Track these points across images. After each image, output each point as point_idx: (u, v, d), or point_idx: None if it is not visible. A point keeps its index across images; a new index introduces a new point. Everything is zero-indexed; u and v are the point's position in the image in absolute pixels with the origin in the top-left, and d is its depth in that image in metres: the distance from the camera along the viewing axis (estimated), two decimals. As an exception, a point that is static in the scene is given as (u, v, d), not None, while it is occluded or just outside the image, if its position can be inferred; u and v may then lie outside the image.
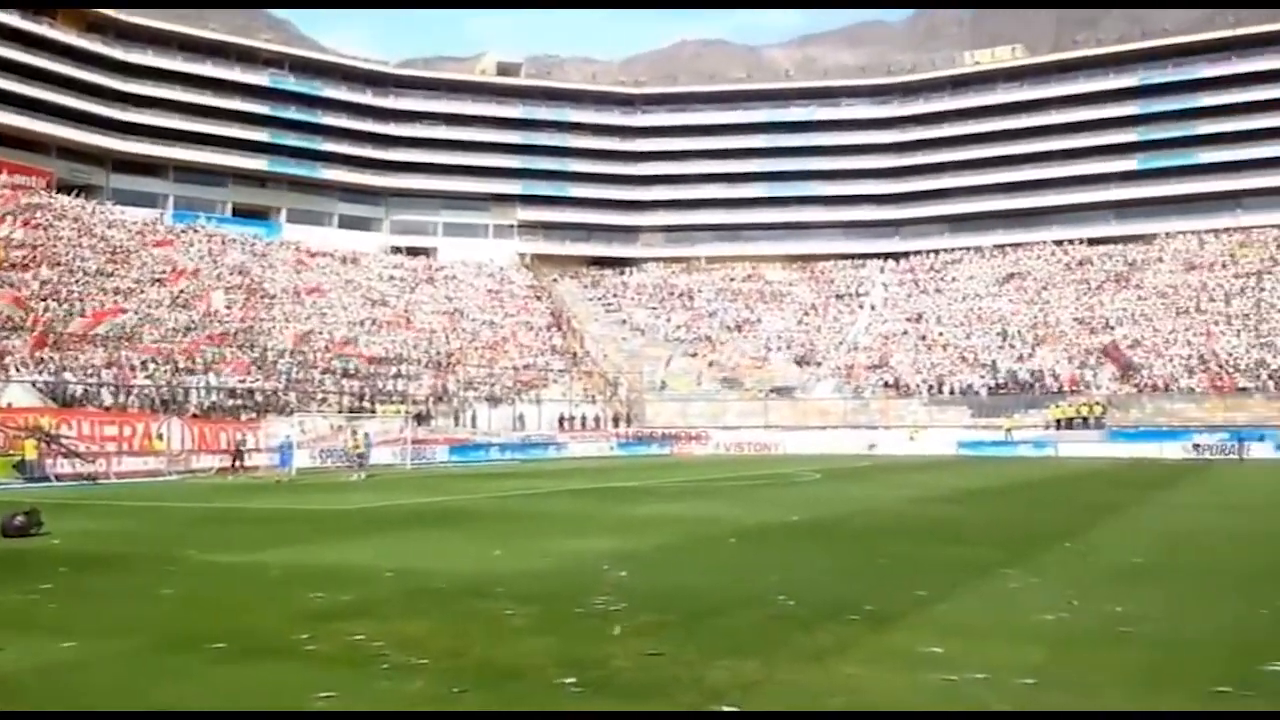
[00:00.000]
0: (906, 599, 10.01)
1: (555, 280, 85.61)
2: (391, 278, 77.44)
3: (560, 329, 75.76)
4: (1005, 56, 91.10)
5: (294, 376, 49.13)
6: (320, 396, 48.56)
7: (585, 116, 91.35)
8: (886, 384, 64.10)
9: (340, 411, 46.02)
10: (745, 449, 58.62)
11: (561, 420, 59.17)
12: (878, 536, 16.29)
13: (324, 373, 51.91)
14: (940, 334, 69.82)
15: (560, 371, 66.14)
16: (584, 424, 60.07)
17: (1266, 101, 76.22)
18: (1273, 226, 74.34)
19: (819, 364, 68.87)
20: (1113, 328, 65.38)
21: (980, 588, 10.98)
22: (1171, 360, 59.60)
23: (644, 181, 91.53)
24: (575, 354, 71.30)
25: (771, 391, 65.14)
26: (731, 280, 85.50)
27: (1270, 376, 55.57)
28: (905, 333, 71.54)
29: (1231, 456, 47.17)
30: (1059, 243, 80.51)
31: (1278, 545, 15.23)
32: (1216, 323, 63.45)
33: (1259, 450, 48.12)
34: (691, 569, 12.70)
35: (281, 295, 63.60)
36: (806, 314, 78.12)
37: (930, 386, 62.58)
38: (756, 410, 63.17)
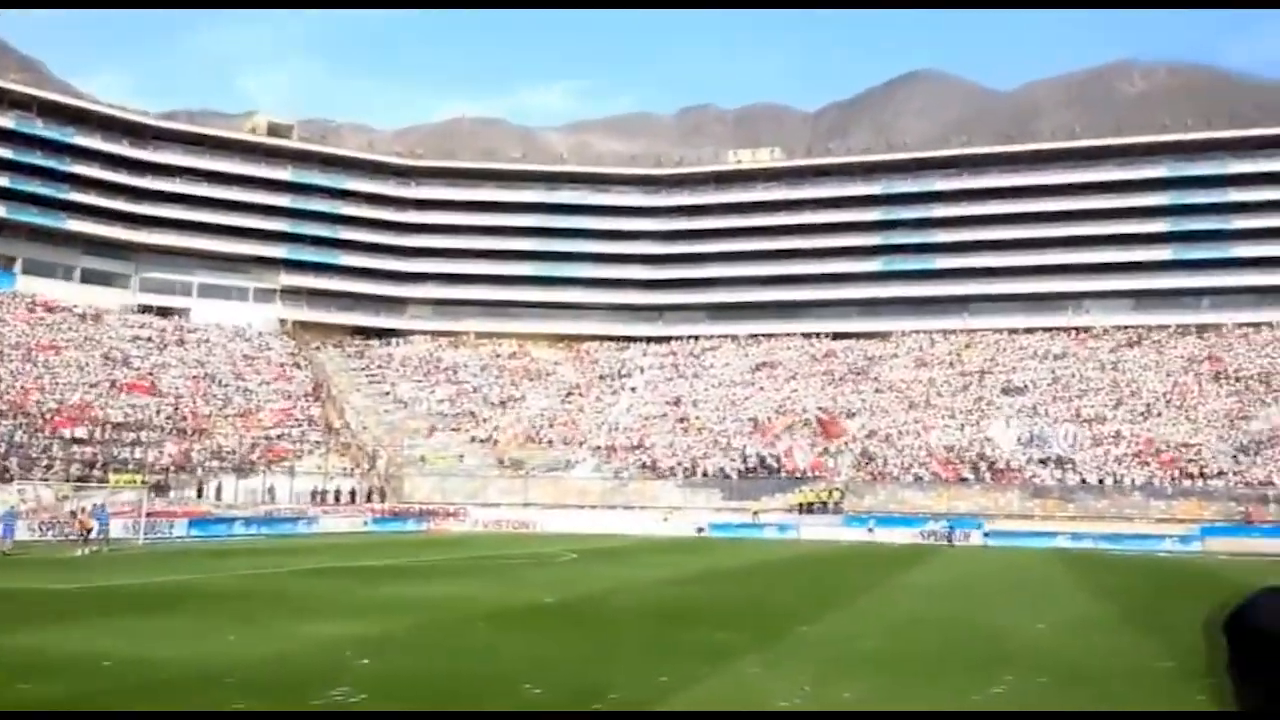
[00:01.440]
0: (652, 685, 10.17)
1: (318, 349, 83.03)
2: (136, 337, 72.96)
3: (319, 399, 73.35)
4: (765, 158, 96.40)
5: (15, 440, 45.23)
6: (45, 463, 44.87)
7: (359, 185, 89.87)
8: (644, 465, 65.33)
9: (67, 480, 42.62)
10: (504, 527, 58.15)
11: (315, 494, 56.96)
12: (629, 619, 16.48)
13: (52, 437, 48.07)
14: (696, 418, 71.99)
15: (316, 443, 63.86)
16: (338, 498, 58.04)
17: (994, 216, 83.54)
18: (994, 330, 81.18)
19: (580, 443, 69.50)
20: (852, 417, 69.29)
21: (721, 674, 11.26)
22: (903, 450, 63.66)
23: (415, 254, 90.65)
24: (333, 425, 69.11)
25: (532, 469, 65.14)
26: (498, 356, 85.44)
27: (989, 468, 60.26)
28: (664, 415, 73.32)
29: (962, 544, 50.52)
30: (807, 335, 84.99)
31: (990, 632, 16.37)
32: (942, 416, 68.36)
33: (975, 538, 51.85)
34: (439, 655, 12.46)
35: (10, 352, 58.73)
36: (570, 393, 78.89)
37: (685, 469, 64.25)
38: (516, 488, 62.92)
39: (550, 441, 69.98)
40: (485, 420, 73.08)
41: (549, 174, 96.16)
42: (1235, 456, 59.40)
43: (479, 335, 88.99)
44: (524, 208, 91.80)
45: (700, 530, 56.58)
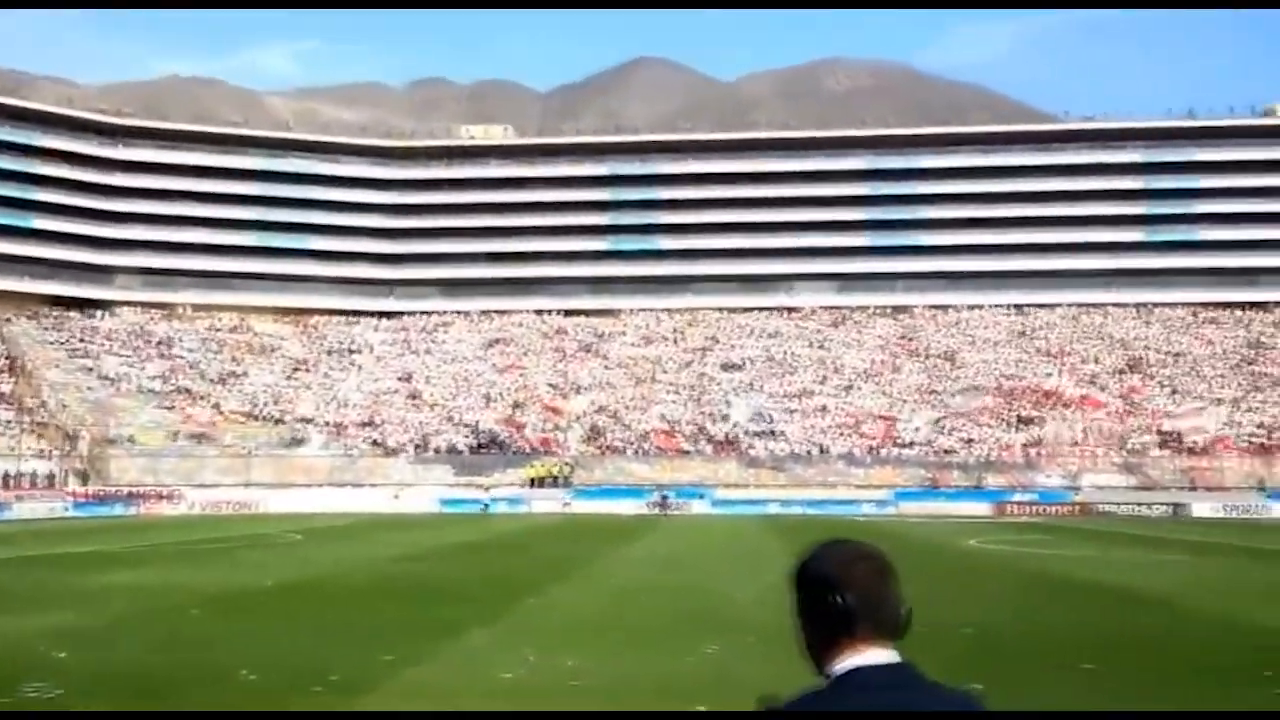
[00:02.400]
0: (376, 664, 10.23)
1: (9, 320, 75.90)
2: None
3: (11, 374, 67.24)
4: (497, 135, 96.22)
5: None
6: None
7: (57, 143, 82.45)
8: (374, 442, 64.12)
9: None
10: (223, 509, 55.51)
11: (6, 478, 52.34)
12: (354, 599, 16.35)
13: None
14: (429, 394, 71.28)
15: (8, 423, 58.59)
16: (34, 482, 53.58)
17: (714, 200, 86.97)
18: (715, 309, 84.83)
19: (307, 420, 67.27)
20: (582, 393, 70.70)
21: (448, 648, 11.45)
22: (630, 425, 65.64)
23: (122, 219, 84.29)
24: (27, 403, 63.56)
25: (254, 448, 62.48)
26: (217, 330, 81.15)
27: (709, 441, 63.22)
28: (395, 391, 72.14)
29: (677, 513, 52.66)
30: (539, 312, 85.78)
31: (704, 597, 17.32)
32: (667, 391, 70.96)
33: (698, 507, 54.33)
34: (147, 645, 11.96)
35: None
36: (296, 369, 76.11)
37: (416, 445, 63.57)
38: (237, 468, 60.22)
39: (274, 419, 67.33)
40: (203, 397, 69.36)
41: (273, 140, 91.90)
42: (925, 427, 64.94)
43: (196, 307, 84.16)
44: (245, 175, 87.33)
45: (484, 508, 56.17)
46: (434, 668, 10.32)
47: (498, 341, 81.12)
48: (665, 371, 74.50)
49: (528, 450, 62.61)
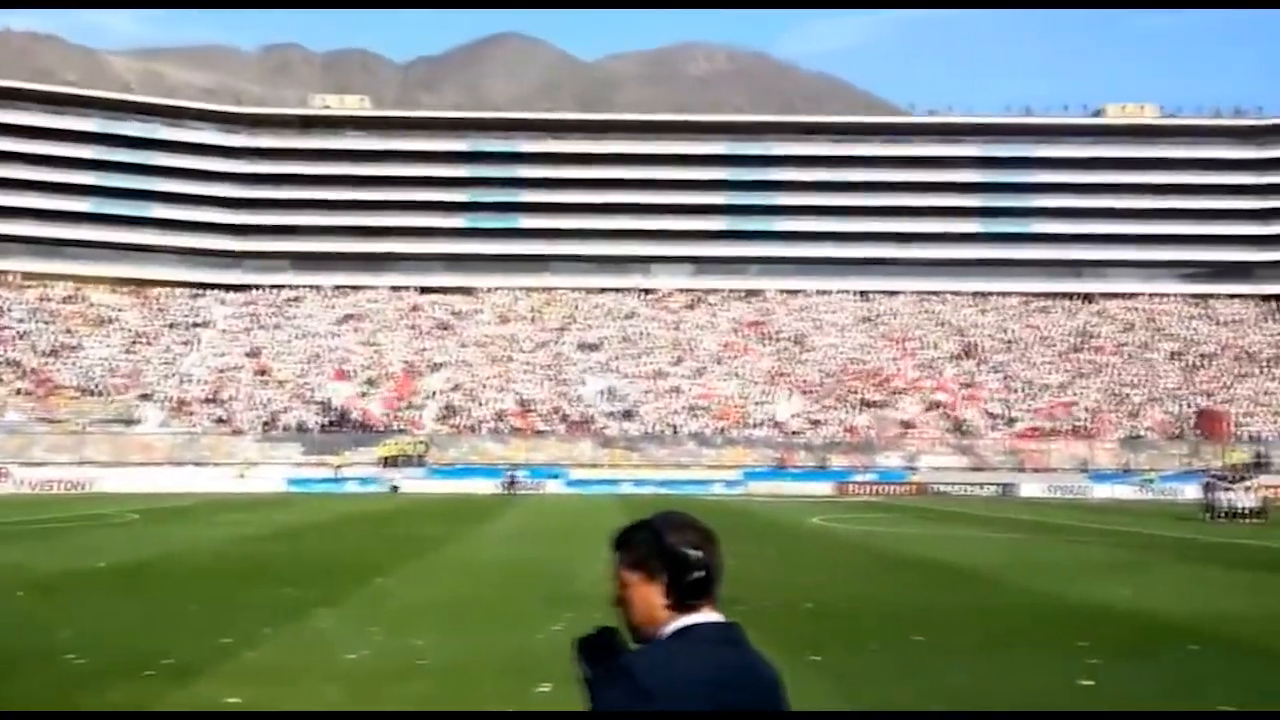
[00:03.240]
0: (212, 647, 10.04)
1: None
2: None
3: None
4: (354, 105, 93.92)
5: None
6: None
7: None
8: (219, 419, 62.13)
9: None
10: (55, 488, 53.03)
11: None
12: (192, 581, 15.93)
13: None
14: (278, 370, 69.38)
15: None
16: None
17: (575, 180, 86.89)
18: (573, 289, 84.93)
19: (147, 396, 64.69)
20: (437, 371, 69.95)
21: (290, 630, 11.29)
22: (486, 404, 65.32)
23: (-57, 180, 79.29)
24: None
25: (89, 424, 59.79)
26: (49, 300, 77.12)
27: (564, 420, 63.42)
28: (242, 367, 69.97)
29: (526, 492, 52.53)
30: (395, 288, 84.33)
31: (554, 575, 17.50)
32: (524, 371, 70.84)
33: (553, 486, 54.52)
34: (-32, 630, 11.45)
35: None
36: (135, 342, 73.02)
37: (264, 422, 61.87)
38: (70, 445, 57.54)
39: (111, 394, 64.54)
40: (33, 370, 65.99)
41: (113, 102, 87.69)
42: (775, 409, 66.54)
43: (26, 276, 79.84)
44: (82, 137, 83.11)
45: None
46: (274, 650, 10.18)
47: (351, 317, 79.47)
48: (522, 351, 74.32)
49: (381, 429, 61.66)
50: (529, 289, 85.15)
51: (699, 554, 2.27)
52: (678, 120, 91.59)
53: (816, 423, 64.72)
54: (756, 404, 66.73)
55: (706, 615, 2.26)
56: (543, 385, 68.63)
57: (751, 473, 57.93)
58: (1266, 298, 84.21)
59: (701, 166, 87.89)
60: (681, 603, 2.25)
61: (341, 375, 68.69)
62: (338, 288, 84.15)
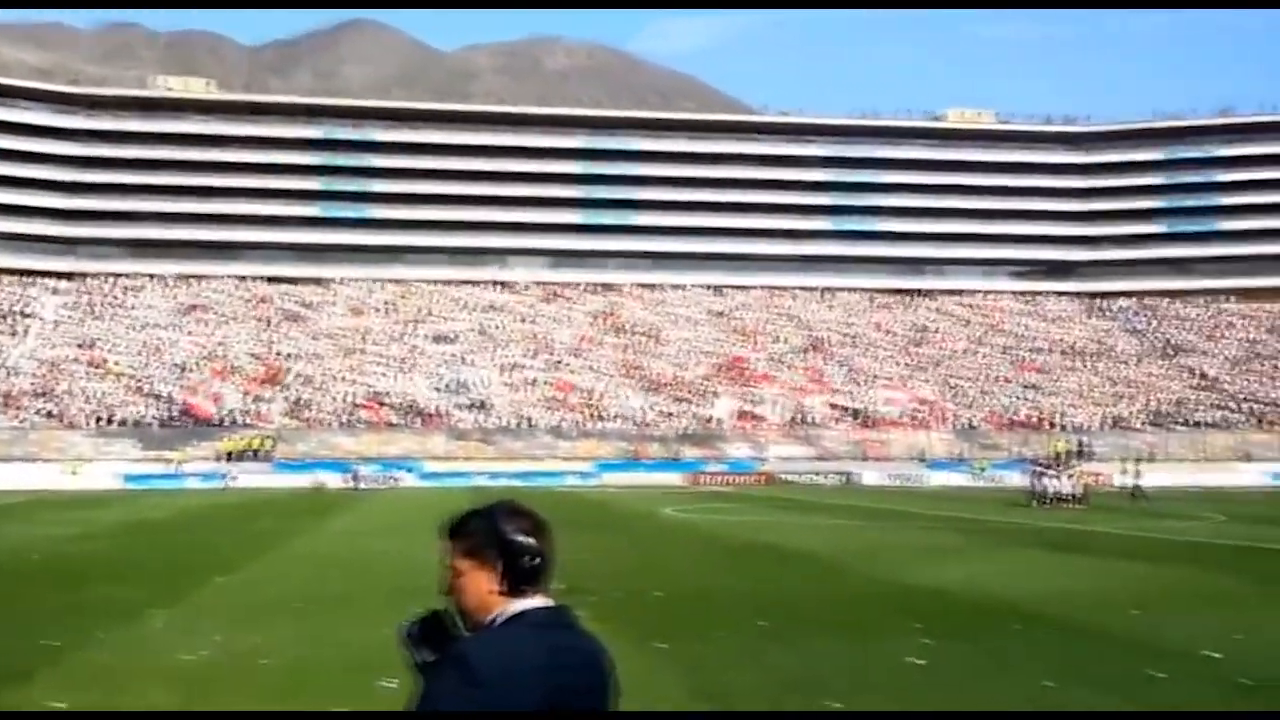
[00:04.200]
0: (38, 651, 9.63)
1: None
2: None
3: None
4: (199, 88, 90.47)
5: None
6: None
7: None
8: (49, 414, 59.11)
9: None
10: None
11: None
12: (17, 582, 15.20)
13: None
14: (115, 363, 66.37)
15: None
16: None
17: (431, 170, 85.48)
18: (427, 281, 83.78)
19: (-33, 390, 61.02)
20: (286, 363, 68.09)
21: (123, 632, 10.91)
22: (337, 397, 63.96)
23: None
24: None
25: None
26: None
27: (417, 414, 62.64)
28: (74, 359, 66.67)
29: (369, 487, 51.29)
30: (241, 278, 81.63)
31: (400, 569, 17.24)
32: (377, 363, 69.61)
33: (407, 480, 53.82)
34: None
35: None
36: (-46, 332, 68.73)
37: (99, 417, 59.15)
38: (-121, 442, 53.82)
39: (-74, 388, 60.79)
40: None
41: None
42: (628, 401, 67.13)
43: None
44: (-103, 115, 77.76)
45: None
46: (105, 652, 9.82)
47: (194, 308, 76.58)
48: (375, 343, 72.98)
49: (224, 423, 59.68)
50: (382, 280, 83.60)
51: (532, 541, 2.34)
52: (535, 114, 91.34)
53: (669, 415, 65.56)
54: (611, 396, 67.21)
55: (538, 601, 2.32)
56: (396, 378, 67.57)
57: (605, 464, 58.30)
58: (1089, 295, 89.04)
59: (559, 160, 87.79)
60: (514, 589, 2.30)
61: (183, 368, 66.18)
62: (179, 277, 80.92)
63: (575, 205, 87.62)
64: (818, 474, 58.52)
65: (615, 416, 64.62)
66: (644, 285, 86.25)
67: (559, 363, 72.18)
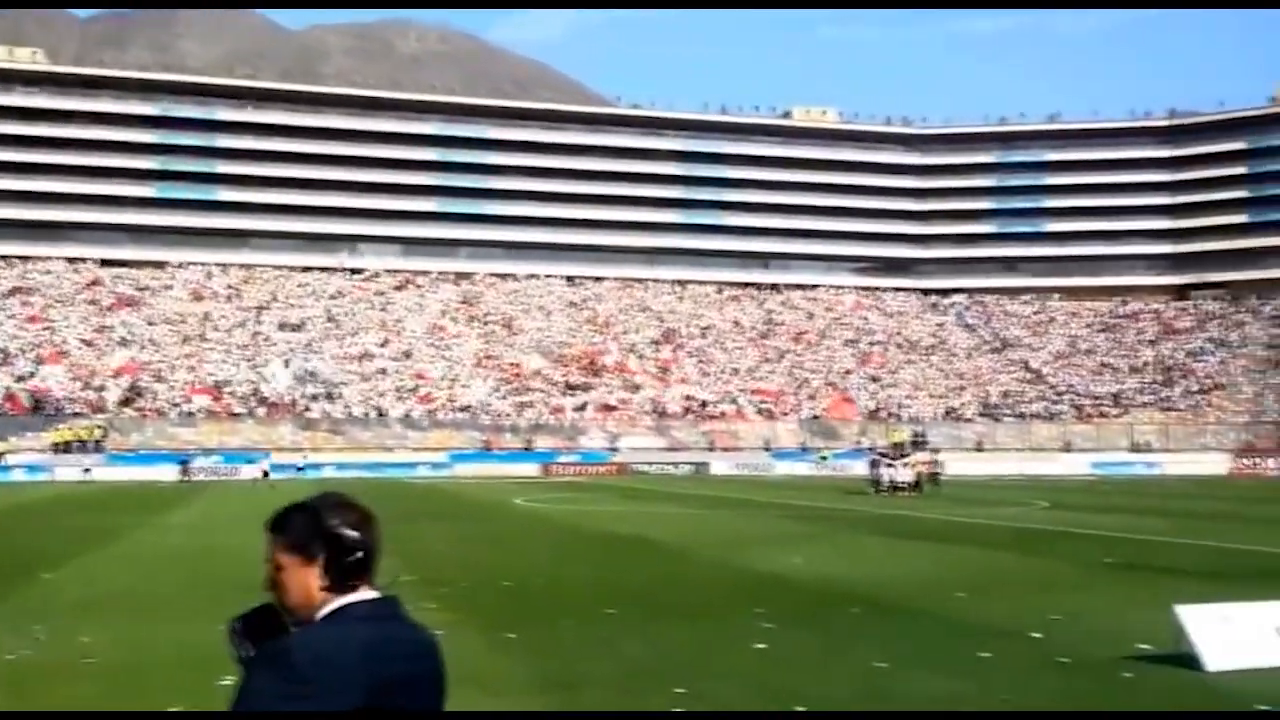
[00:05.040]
0: None
1: None
2: None
3: None
4: (25, 58, 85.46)
5: None
6: None
7: None
8: None
9: None
10: None
11: None
12: None
13: None
14: (-73, 348, 62.30)
15: None
16: None
17: (278, 153, 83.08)
18: (274, 266, 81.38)
19: None
20: (120, 349, 65.13)
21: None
22: (175, 385, 61.51)
23: None
24: None
25: None
26: None
27: (262, 403, 60.76)
28: (-118, 344, 62.31)
29: (203, 479, 49.46)
30: (71, 260, 77.65)
31: (234, 564, 16.67)
32: (219, 351, 67.24)
33: (249, 471, 52.17)
34: None
35: None
36: None
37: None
38: None
39: None
40: None
41: None
42: (482, 391, 66.68)
43: None
44: None
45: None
46: (-79, 653, 9.31)
47: (19, 290, 72.44)
48: (217, 330, 70.44)
49: (53, 412, 56.67)
50: (226, 265, 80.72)
51: (357, 534, 2.28)
52: (389, 98, 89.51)
53: (524, 405, 65.36)
54: (464, 386, 66.58)
55: (364, 594, 2.27)
56: (239, 366, 65.38)
57: (458, 455, 57.76)
58: (925, 291, 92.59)
59: (412, 146, 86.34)
60: (340, 583, 2.24)
61: (6, 354, 62.56)
62: (4, 257, 76.45)
63: (429, 192, 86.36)
64: (669, 464, 59.29)
65: (469, 407, 64.07)
66: (499, 275, 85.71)
67: (411, 352, 71.09)
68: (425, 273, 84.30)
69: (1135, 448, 65.05)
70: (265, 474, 49.23)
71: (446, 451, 58.13)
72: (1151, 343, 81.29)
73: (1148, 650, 8.98)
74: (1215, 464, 61.47)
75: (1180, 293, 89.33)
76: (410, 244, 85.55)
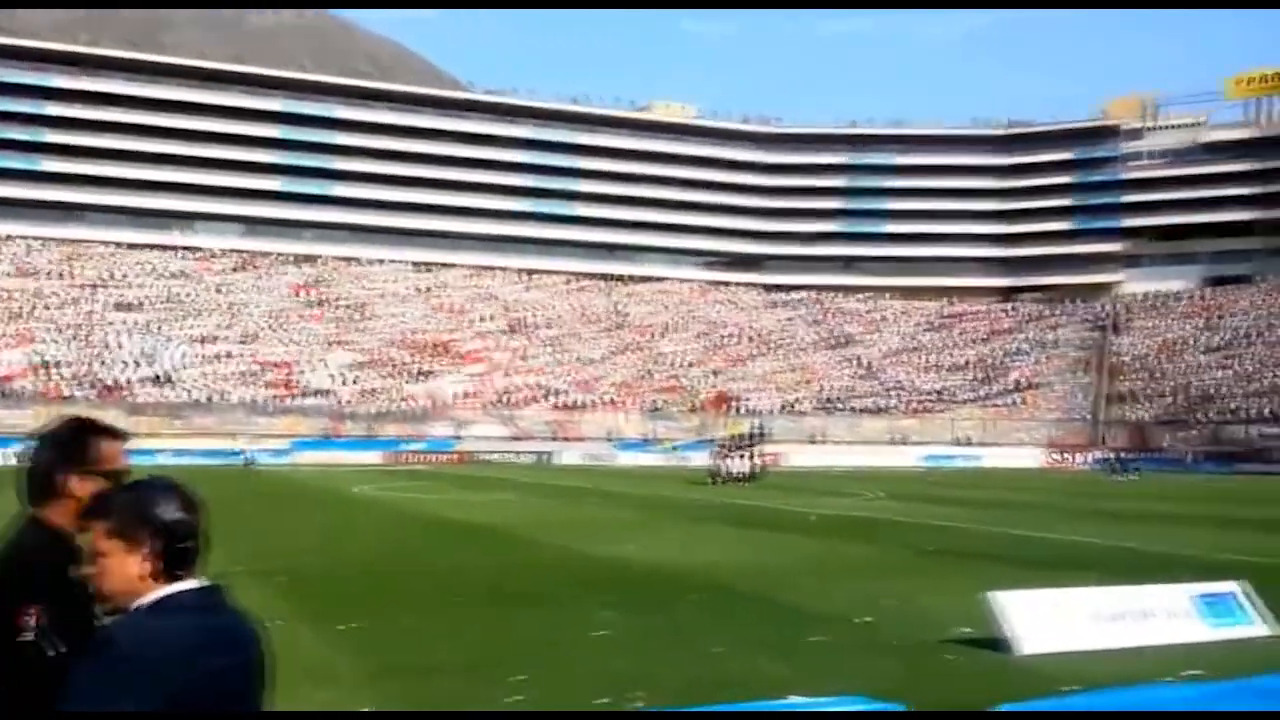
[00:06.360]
0: None
1: None
2: None
3: None
4: None
5: None
6: None
7: None
8: None
9: None
10: None
11: None
12: None
13: None
14: None
15: None
16: None
17: (115, 123, 78.88)
18: (108, 243, 77.52)
19: None
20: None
21: None
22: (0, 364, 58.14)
23: None
24: None
25: None
26: None
27: (94, 385, 57.96)
28: None
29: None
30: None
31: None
32: (47, 330, 63.77)
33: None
34: None
35: None
36: None
37: None
38: None
39: None
40: None
41: None
42: (328, 378, 65.21)
43: None
44: None
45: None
46: None
47: None
48: (46, 308, 66.69)
49: None
50: (55, 240, 76.41)
51: (184, 520, 2.24)
52: (233, 71, 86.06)
53: (371, 392, 64.13)
54: (310, 372, 64.88)
55: (188, 583, 2.23)
56: (69, 346, 62.09)
57: (301, 442, 56.23)
58: (770, 287, 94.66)
59: (257, 123, 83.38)
60: (165, 571, 2.20)
61: None
62: None
63: (273, 171, 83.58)
64: (514, 453, 59.12)
65: (315, 393, 62.48)
66: (345, 258, 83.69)
67: (254, 335, 68.85)
68: (267, 254, 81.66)
69: (957, 441, 68.09)
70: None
71: (289, 438, 56.57)
72: (975, 342, 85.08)
73: (968, 634, 9.47)
74: (1030, 458, 65.04)
75: (1006, 295, 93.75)
76: (252, 224, 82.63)
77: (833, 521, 22.98)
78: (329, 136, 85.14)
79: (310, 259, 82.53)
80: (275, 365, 64.89)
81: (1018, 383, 77.16)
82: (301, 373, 64.63)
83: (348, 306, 76.18)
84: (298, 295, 76.64)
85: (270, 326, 70.62)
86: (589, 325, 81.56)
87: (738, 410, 67.03)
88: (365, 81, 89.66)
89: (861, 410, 72.21)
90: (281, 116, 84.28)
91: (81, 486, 2.62)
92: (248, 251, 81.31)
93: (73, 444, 2.70)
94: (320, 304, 75.90)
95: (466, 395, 66.52)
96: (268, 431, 57.25)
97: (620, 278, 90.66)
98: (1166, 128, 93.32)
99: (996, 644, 8.90)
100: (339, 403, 62.17)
